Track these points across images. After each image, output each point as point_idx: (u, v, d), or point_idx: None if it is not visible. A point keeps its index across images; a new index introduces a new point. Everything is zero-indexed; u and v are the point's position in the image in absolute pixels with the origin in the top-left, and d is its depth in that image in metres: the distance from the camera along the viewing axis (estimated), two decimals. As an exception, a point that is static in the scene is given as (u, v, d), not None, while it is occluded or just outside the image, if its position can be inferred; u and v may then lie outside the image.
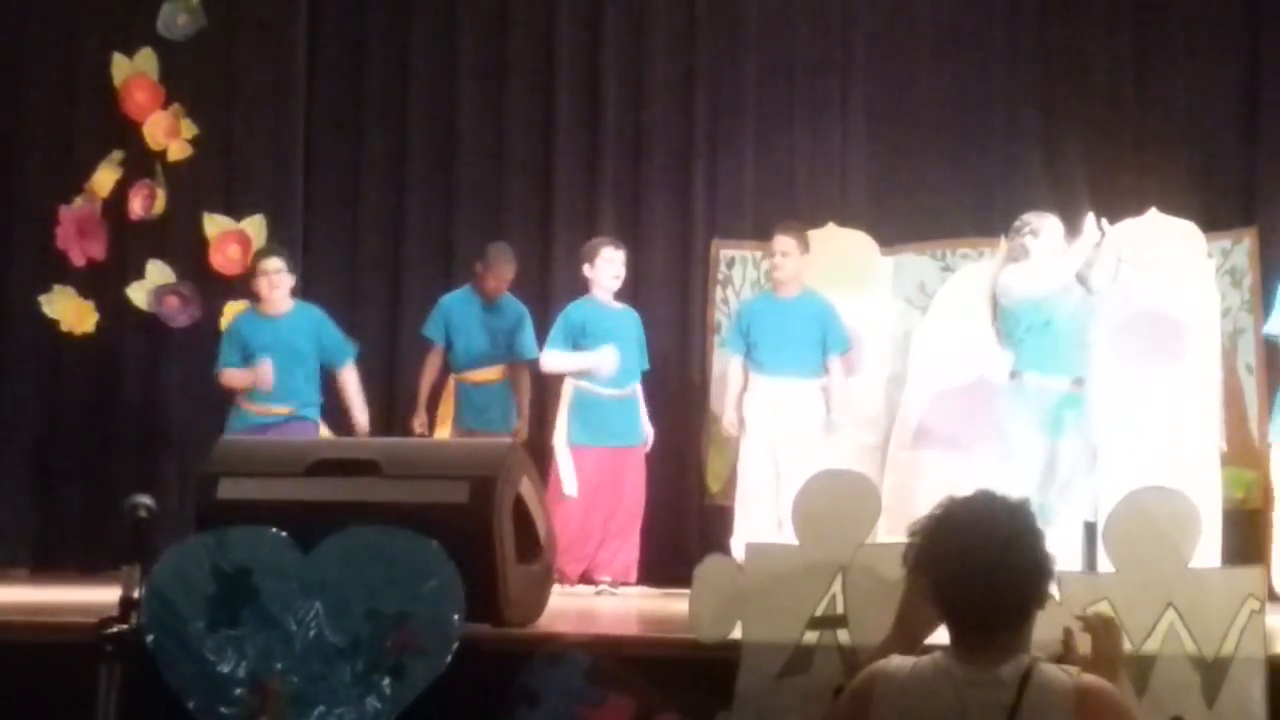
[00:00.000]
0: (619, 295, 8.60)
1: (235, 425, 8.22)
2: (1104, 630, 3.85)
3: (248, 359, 8.28)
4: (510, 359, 8.56)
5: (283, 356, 8.25)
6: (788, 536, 7.03)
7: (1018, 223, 7.59)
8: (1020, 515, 3.47)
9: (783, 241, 8.24)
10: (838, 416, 8.14)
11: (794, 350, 8.15)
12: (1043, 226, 7.55)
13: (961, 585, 3.41)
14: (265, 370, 8.16)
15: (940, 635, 3.68)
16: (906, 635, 3.80)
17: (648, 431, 8.41)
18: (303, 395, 8.32)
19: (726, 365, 8.45)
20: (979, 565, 3.38)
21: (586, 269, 8.47)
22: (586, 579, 8.16)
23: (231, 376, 8.31)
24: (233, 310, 8.92)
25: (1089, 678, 3.44)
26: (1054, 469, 7.41)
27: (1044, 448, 7.43)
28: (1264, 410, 7.88)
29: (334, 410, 8.52)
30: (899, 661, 3.53)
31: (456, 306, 8.66)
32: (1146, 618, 4.18)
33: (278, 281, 8.38)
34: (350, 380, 8.48)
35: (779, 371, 8.16)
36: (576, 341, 8.37)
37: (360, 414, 8.43)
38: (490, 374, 8.55)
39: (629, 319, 8.52)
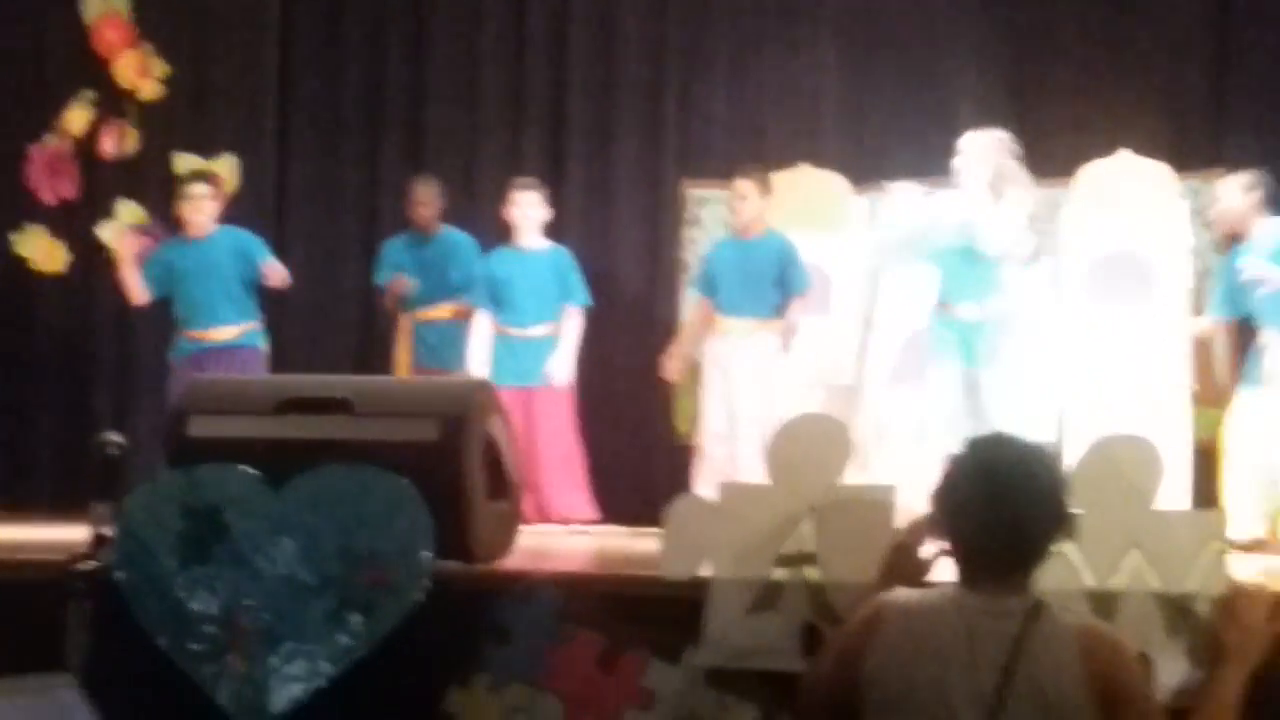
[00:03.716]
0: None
1: (176, 355, 8.26)
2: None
3: (171, 283, 8.28)
4: (459, 294, 8.56)
5: (203, 277, 8.23)
6: (744, 476, 7.17)
7: None
8: (1041, 458, 3.52)
9: (740, 185, 8.23)
10: (782, 361, 8.10)
11: (753, 291, 8.14)
12: (963, 145, 7.63)
13: (982, 525, 3.46)
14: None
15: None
16: (892, 585, 3.80)
17: (563, 371, 8.33)
18: (230, 316, 8.27)
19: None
20: (1001, 507, 3.43)
21: (504, 212, 8.47)
22: (552, 519, 8.15)
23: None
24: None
25: (1094, 621, 3.48)
26: (976, 396, 7.45)
27: (962, 375, 7.47)
28: (1234, 350, 7.91)
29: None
30: (906, 592, 3.59)
31: (397, 247, 8.70)
32: (1111, 556, 4.21)
33: (205, 208, 8.35)
34: (272, 273, 8.35)
35: (738, 313, 8.16)
36: (493, 290, 8.36)
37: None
38: (441, 311, 8.54)
39: (545, 260, 8.43)
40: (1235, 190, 7.48)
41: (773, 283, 8.15)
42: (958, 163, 7.65)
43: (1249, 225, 7.44)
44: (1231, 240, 7.61)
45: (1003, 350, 7.52)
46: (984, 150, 7.62)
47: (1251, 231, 7.43)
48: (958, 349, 7.53)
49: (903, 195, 8.06)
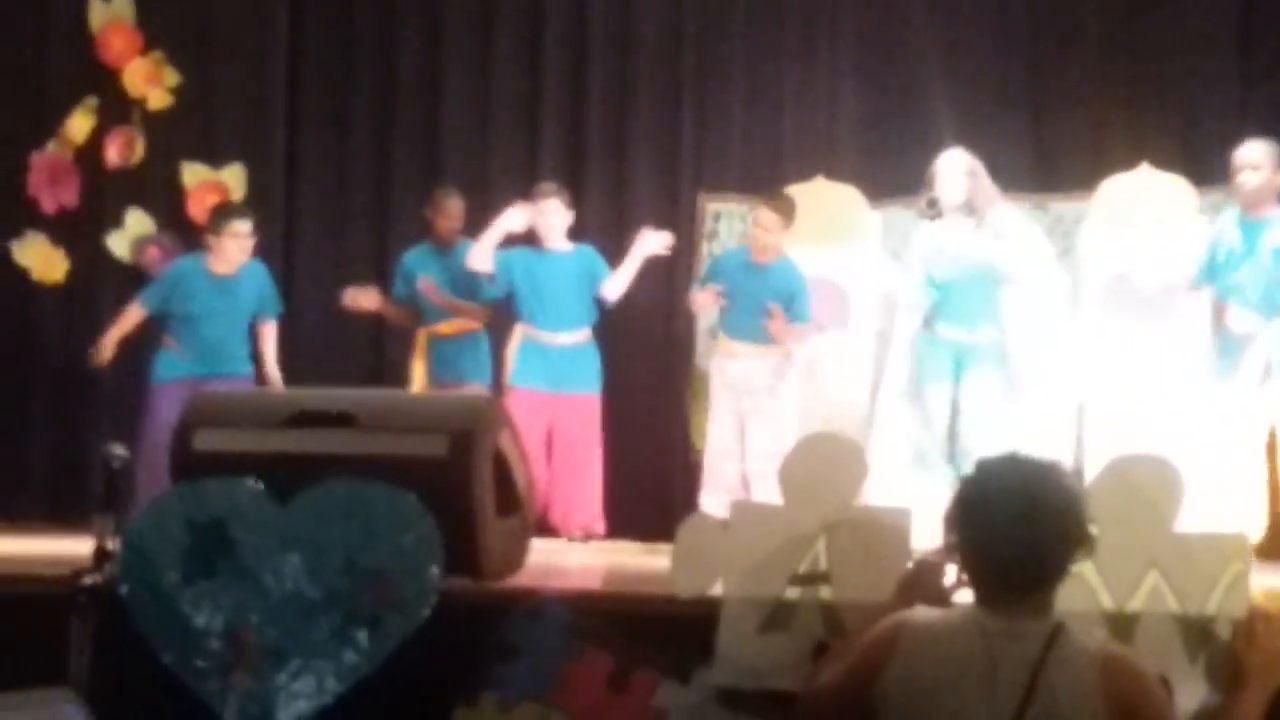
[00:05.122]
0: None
1: (163, 372, 8.12)
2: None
3: (179, 313, 8.16)
4: (479, 306, 8.47)
5: (227, 318, 8.18)
6: (755, 495, 7.11)
7: None
8: (1058, 476, 3.48)
9: (765, 216, 8.04)
10: (792, 379, 8.06)
11: (760, 318, 7.96)
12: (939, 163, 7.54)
13: (1000, 546, 3.42)
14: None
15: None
16: (910, 604, 3.73)
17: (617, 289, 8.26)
18: (236, 354, 8.23)
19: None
20: (1019, 526, 3.40)
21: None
22: (556, 532, 8.07)
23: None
24: None
25: (1115, 645, 3.44)
26: (958, 413, 7.40)
27: (950, 393, 7.42)
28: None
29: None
30: (925, 611, 3.55)
31: (417, 260, 8.58)
32: (1130, 577, 4.18)
33: (249, 246, 8.23)
34: (270, 336, 8.36)
35: (744, 337, 8.05)
36: (514, 289, 8.26)
37: (275, 370, 8.33)
38: (459, 325, 8.46)
39: (572, 261, 8.33)
40: None
41: (783, 310, 8.03)
42: (939, 185, 7.55)
43: None
44: None
45: (990, 376, 7.45)
46: (958, 169, 7.53)
47: None
48: (945, 367, 7.46)
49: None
